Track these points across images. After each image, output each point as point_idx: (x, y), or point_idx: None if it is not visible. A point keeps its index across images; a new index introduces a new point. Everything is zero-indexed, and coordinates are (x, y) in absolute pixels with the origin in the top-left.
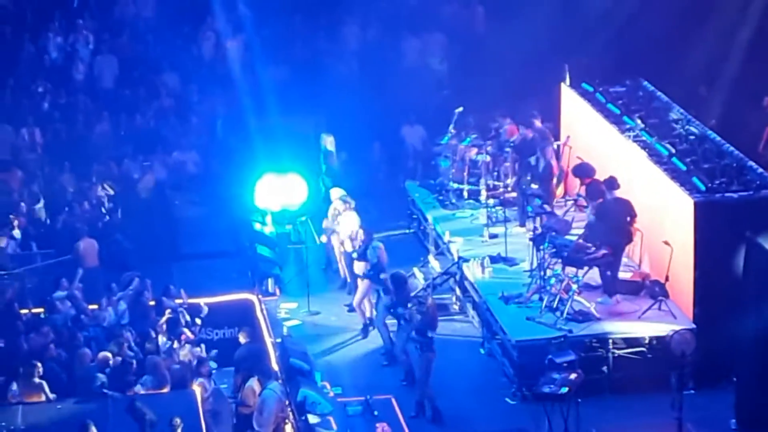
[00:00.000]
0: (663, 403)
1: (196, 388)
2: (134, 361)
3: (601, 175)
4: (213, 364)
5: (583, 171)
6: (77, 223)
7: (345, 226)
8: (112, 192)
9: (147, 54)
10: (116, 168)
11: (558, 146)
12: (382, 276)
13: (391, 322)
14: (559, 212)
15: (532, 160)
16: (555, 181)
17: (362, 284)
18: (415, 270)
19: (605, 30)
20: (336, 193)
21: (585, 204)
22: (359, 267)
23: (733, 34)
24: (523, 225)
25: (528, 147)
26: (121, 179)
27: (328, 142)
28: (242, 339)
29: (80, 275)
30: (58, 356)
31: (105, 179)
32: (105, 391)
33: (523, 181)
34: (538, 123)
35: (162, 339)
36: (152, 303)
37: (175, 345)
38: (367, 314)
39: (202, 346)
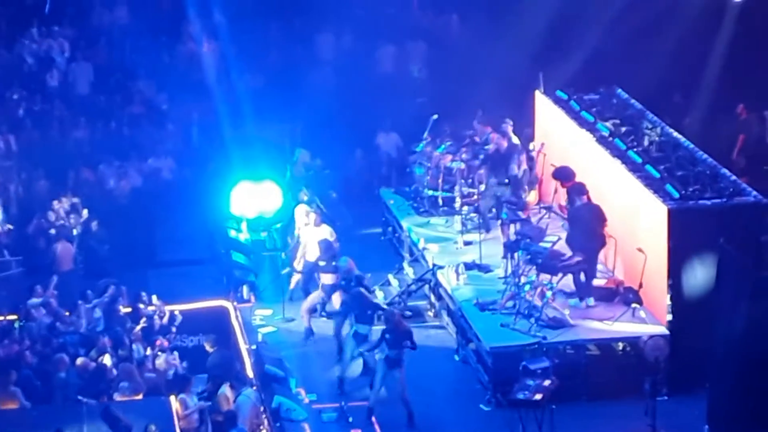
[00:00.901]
0: (636, 410)
1: (177, 405)
2: (110, 368)
3: None
4: None
5: (563, 174)
6: (51, 229)
7: (312, 238)
8: (77, 200)
9: (122, 61)
10: (91, 175)
11: (532, 153)
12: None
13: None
14: (533, 219)
15: (514, 168)
16: (527, 187)
17: (315, 293)
18: (390, 277)
19: (580, 38)
20: (301, 210)
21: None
22: (327, 279)
23: (708, 43)
24: (488, 231)
25: (501, 157)
26: (96, 186)
27: (303, 155)
28: (208, 347)
29: (55, 282)
30: (32, 364)
31: (76, 188)
32: (80, 397)
33: (493, 190)
34: (510, 131)
35: (137, 346)
36: (127, 310)
37: (148, 352)
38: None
39: (176, 353)
